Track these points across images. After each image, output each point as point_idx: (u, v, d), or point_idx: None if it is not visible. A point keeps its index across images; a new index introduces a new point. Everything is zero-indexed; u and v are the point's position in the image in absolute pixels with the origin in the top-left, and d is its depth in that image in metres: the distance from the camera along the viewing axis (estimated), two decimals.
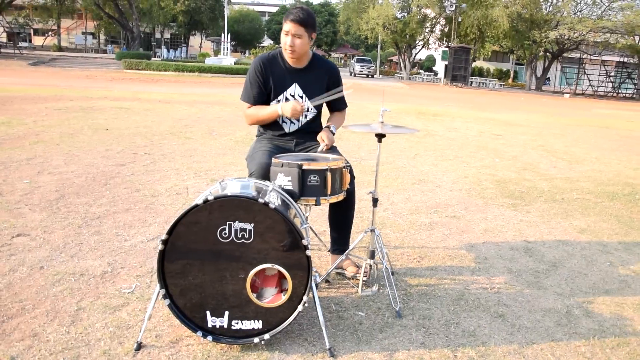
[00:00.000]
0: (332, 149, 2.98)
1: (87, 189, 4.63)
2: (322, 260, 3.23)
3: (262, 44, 62.09)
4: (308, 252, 2.08)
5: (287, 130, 3.05)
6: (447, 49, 33.84)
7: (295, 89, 2.99)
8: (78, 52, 45.07)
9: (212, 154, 6.69)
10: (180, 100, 13.81)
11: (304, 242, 2.07)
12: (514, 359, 2.23)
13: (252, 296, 2.14)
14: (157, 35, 52.06)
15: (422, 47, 41.49)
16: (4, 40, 41.06)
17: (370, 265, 2.78)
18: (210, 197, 2.05)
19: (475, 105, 18.86)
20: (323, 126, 3.12)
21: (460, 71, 32.54)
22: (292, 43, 2.82)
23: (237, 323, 2.17)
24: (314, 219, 3.96)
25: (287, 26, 2.81)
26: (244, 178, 2.25)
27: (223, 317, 2.16)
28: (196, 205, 2.06)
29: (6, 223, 3.65)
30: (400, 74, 42.09)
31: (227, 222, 2.08)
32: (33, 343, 2.21)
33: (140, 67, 28.67)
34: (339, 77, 3.11)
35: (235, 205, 2.08)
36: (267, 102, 3.01)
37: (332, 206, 2.94)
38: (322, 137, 2.91)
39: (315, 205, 2.52)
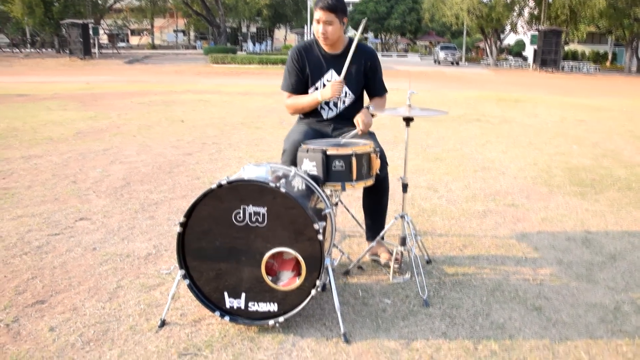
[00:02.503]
0: (369, 136, 2.92)
1: (152, 177, 4.90)
2: (360, 246, 3.19)
3: (346, 34, 62.04)
4: (320, 237, 2.06)
5: (325, 117, 3.04)
6: (536, 32, 31.76)
7: (332, 75, 2.97)
8: (170, 49, 47.71)
9: (277, 142, 6.80)
10: (259, 91, 14.19)
11: (316, 226, 2.06)
12: (542, 355, 2.08)
13: (267, 279, 2.17)
14: (244, 30, 53.70)
15: (510, 31, 39.36)
16: (105, 41, 44.32)
17: (402, 253, 2.70)
18: (224, 182, 2.09)
19: (564, 91, 17.66)
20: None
21: (550, 55, 30.45)
22: (324, 30, 2.81)
23: (254, 305, 2.20)
24: (357, 205, 3.92)
25: (318, 14, 2.80)
26: (264, 163, 2.27)
27: (240, 298, 2.21)
28: (211, 190, 2.11)
29: (73, 208, 3.96)
30: (487, 60, 40.30)
31: (242, 206, 2.12)
32: (71, 316, 2.38)
33: (225, 61, 29.83)
34: (377, 61, 3.04)
35: (248, 189, 2.11)
36: (305, 90, 3.01)
37: (365, 192, 2.90)
38: (358, 120, 2.85)
39: (342, 190, 2.49)
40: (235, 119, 8.93)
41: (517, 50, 46.52)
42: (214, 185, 2.11)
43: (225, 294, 2.22)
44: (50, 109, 10.09)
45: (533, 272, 2.85)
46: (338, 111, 3.03)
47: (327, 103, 2.99)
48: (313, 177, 2.44)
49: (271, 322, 2.17)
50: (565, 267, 2.94)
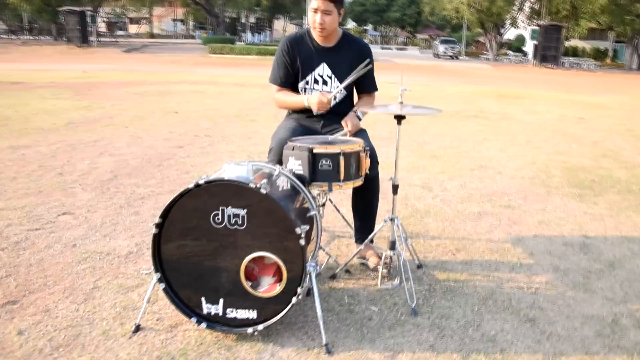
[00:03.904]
0: (359, 133, 2.80)
1: (140, 170, 4.78)
2: (350, 248, 3.08)
3: (345, 26, 61.74)
4: (302, 242, 1.95)
5: (315, 113, 2.92)
6: (536, 27, 31.47)
7: (323, 69, 2.84)
8: (168, 38, 47.37)
9: (271, 136, 6.69)
10: (255, 83, 14.02)
11: (298, 230, 1.94)
12: None
13: (247, 285, 2.05)
14: (242, 20, 53.30)
15: (510, 26, 39.09)
16: (104, 29, 43.96)
17: (391, 257, 2.59)
18: (201, 181, 1.97)
19: (564, 87, 17.52)
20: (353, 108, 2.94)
21: (550, 51, 30.21)
22: (321, 20, 2.67)
23: (232, 311, 2.09)
24: (347, 204, 3.80)
25: (315, 3, 2.66)
26: (245, 161, 2.14)
27: (218, 304, 2.10)
28: (188, 189, 1.99)
29: (57, 202, 3.83)
30: (487, 54, 40.05)
31: (220, 207, 2.00)
32: (43, 318, 2.27)
33: (224, 52, 29.60)
34: (371, 56, 2.90)
35: (227, 190, 1.99)
36: (295, 84, 2.89)
37: (355, 193, 2.78)
38: (347, 122, 2.74)
39: (328, 191, 2.37)
40: (230, 111, 8.79)
41: (517, 46, 46.22)
42: (190, 185, 1.99)
43: (203, 299, 2.11)
44: (44, 98, 9.94)
45: (528, 280, 2.74)
46: (329, 107, 2.90)
47: None
48: (299, 177, 2.32)
49: (250, 330, 2.06)
50: (561, 274, 2.83)
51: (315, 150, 2.31)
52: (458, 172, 5.03)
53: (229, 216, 2.00)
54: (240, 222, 2.00)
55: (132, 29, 52.89)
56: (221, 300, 2.09)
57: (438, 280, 2.70)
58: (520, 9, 37.06)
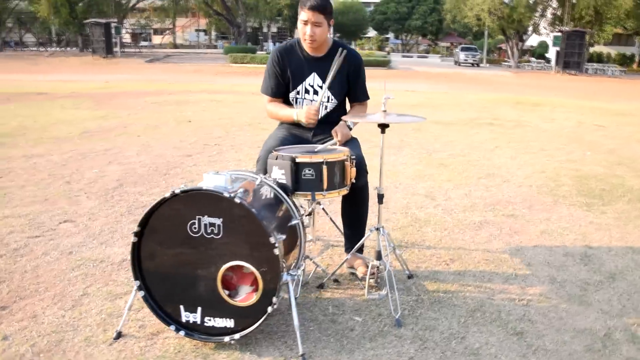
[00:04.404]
0: (349, 142, 2.78)
1: (146, 179, 4.84)
2: (342, 257, 3.05)
3: (366, 35, 61.84)
4: (276, 251, 1.93)
5: (305, 125, 2.92)
6: (559, 33, 30.98)
7: (314, 79, 2.84)
8: (191, 48, 48.11)
9: None
10: None
11: (272, 240, 1.93)
12: None
13: (224, 293, 2.05)
14: (264, 30, 53.84)
15: (532, 32, 38.57)
16: (128, 40, 44.92)
17: (378, 267, 2.55)
18: (178, 191, 1.98)
19: (586, 94, 17.17)
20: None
21: (573, 57, 29.67)
22: (312, 32, 2.67)
23: (210, 320, 2.09)
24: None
25: (305, 15, 2.66)
26: (225, 171, 2.15)
27: (196, 312, 2.10)
28: (165, 198, 2.00)
29: (60, 209, 3.90)
30: (508, 62, 39.57)
31: (197, 217, 2.00)
32: (29, 324, 2.30)
33: (245, 61, 29.89)
34: (361, 66, 2.90)
35: (204, 199, 2.00)
36: (286, 94, 2.90)
37: (344, 202, 2.76)
38: (336, 131, 2.73)
39: (312, 200, 2.36)
40: (243, 119, 8.85)
41: (540, 52, 45.56)
42: (167, 194, 2.00)
43: (182, 307, 2.11)
44: (64, 108, 10.17)
45: (521, 292, 2.67)
46: (320, 117, 2.90)
47: None
48: (281, 186, 2.32)
49: (227, 339, 2.06)
50: (557, 286, 2.76)
51: (298, 160, 2.30)
52: (464, 181, 4.96)
53: (205, 225, 2.00)
54: (216, 231, 2.00)
55: (156, 39, 53.95)
56: (199, 309, 2.09)
57: (427, 290, 2.65)
58: (543, 15, 36.53)
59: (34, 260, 2.99)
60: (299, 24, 2.73)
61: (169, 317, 2.14)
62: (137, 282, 2.12)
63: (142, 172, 5.10)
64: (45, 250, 3.13)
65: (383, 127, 2.40)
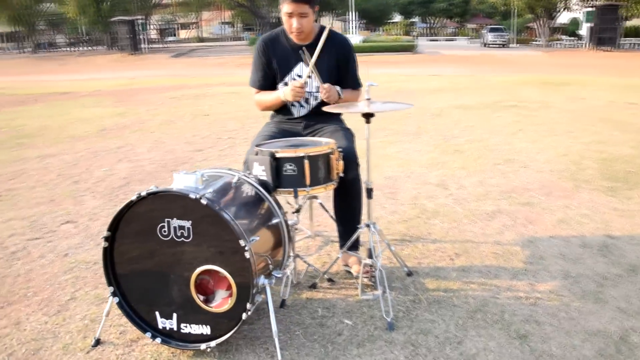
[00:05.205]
0: (339, 132, 2.62)
1: (153, 176, 4.78)
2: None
3: (392, 20, 60.84)
4: (247, 255, 1.80)
5: (296, 115, 2.78)
6: (591, 9, 29.64)
7: (302, 69, 2.69)
8: (216, 41, 48.28)
9: None
10: None
11: (242, 242, 1.80)
12: None
13: (198, 299, 1.94)
14: None
15: (563, 9, 37.10)
16: (155, 36, 45.42)
17: (371, 265, 2.40)
18: (144, 193, 1.87)
19: (620, 71, 16.39)
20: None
21: (607, 33, 28.32)
22: (298, 25, 2.53)
23: (187, 326, 1.98)
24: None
25: (289, 7, 2.51)
26: (197, 170, 2.03)
27: (172, 319, 1.99)
28: (131, 202, 1.90)
29: (64, 210, 3.88)
30: (538, 41, 38.24)
31: (166, 219, 1.89)
32: (11, 331, 2.25)
33: None
34: (350, 52, 2.72)
35: (172, 201, 1.88)
36: (274, 86, 2.76)
37: (335, 197, 2.60)
38: (324, 86, 2.53)
39: (295, 197, 2.22)
40: (260, 112, 8.75)
41: (572, 30, 43.83)
42: (134, 197, 1.89)
43: (157, 313, 2.01)
44: (85, 106, 10.28)
45: (529, 288, 2.47)
46: (310, 108, 2.75)
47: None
48: (262, 183, 2.18)
49: (203, 346, 1.94)
50: (571, 281, 2.54)
51: (278, 155, 2.17)
52: (480, 167, 4.72)
53: (174, 228, 1.89)
54: (186, 234, 1.88)
55: (182, 34, 54.38)
56: (175, 315, 1.99)
57: (427, 289, 2.48)
58: None
59: (29, 264, 2.95)
60: (283, 17, 2.58)
61: (145, 324, 2.04)
62: (111, 288, 2.03)
63: (150, 169, 5.05)
64: (42, 253, 3.10)
65: (367, 116, 2.23)
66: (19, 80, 18.47)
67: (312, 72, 2.54)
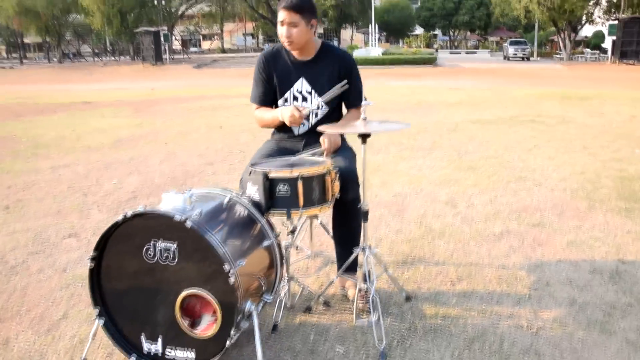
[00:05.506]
0: (341, 152, 2.56)
1: (162, 189, 4.77)
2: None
3: (413, 33, 60.80)
4: (231, 280, 1.75)
5: (296, 133, 2.73)
6: (615, 22, 29.13)
7: (302, 85, 2.64)
8: (238, 52, 48.86)
9: None
10: None
11: (226, 267, 1.75)
12: None
13: (183, 323, 1.89)
14: None
15: (586, 22, 36.56)
16: (178, 47, 46.19)
17: (366, 290, 2.32)
18: (129, 213, 1.84)
19: None
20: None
21: (631, 46, 27.71)
22: (288, 33, 2.49)
23: (172, 350, 1.94)
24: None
25: (281, 15, 2.49)
26: (187, 190, 1.99)
27: (157, 343, 1.95)
28: (117, 223, 1.87)
29: (69, 224, 3.89)
30: (560, 54, 37.71)
31: (152, 241, 1.85)
32: None
33: None
34: (353, 68, 2.67)
35: (158, 222, 1.85)
36: (274, 102, 2.73)
37: (334, 218, 2.54)
38: (324, 139, 2.51)
39: (287, 218, 2.16)
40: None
41: (595, 43, 43.16)
42: (119, 218, 1.86)
43: (142, 336, 1.97)
44: (103, 116, 10.42)
45: (532, 316, 2.37)
46: (310, 125, 2.70)
47: None
48: (255, 204, 2.14)
49: None
50: (577, 309, 2.43)
51: (270, 175, 2.12)
52: (492, 185, 4.61)
53: (160, 250, 1.85)
54: (171, 256, 1.84)
55: (205, 45, 55.20)
56: (160, 339, 1.95)
57: (424, 316, 2.39)
58: (597, 4, 34.53)
59: (27, 279, 2.94)
60: (278, 25, 2.56)
61: (130, 346, 2.00)
62: (98, 309, 1.99)
63: (159, 182, 5.06)
64: (41, 267, 3.09)
65: (364, 137, 2.17)
66: (45, 88, 18.89)
67: (318, 106, 2.53)
